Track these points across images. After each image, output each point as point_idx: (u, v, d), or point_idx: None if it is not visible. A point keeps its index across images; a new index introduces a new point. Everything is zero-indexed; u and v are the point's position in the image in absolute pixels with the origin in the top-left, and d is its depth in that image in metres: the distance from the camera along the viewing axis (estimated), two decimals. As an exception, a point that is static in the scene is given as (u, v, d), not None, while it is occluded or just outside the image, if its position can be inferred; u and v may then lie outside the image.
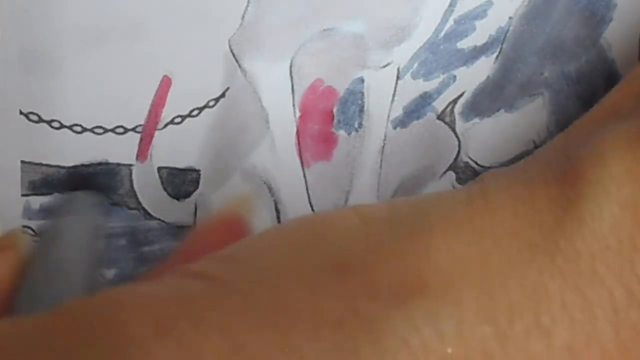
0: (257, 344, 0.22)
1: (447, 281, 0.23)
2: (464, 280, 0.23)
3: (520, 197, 0.24)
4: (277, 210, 0.35)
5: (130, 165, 0.33)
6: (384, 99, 0.34)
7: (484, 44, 0.34)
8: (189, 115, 0.33)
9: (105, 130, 0.32)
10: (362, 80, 0.34)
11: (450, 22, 0.33)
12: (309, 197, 0.35)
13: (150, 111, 0.32)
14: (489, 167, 0.36)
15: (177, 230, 0.35)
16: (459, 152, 0.35)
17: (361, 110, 0.34)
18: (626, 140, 0.24)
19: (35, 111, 0.31)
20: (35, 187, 0.32)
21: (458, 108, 0.35)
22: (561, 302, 0.23)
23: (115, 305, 0.23)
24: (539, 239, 0.23)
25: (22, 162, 0.32)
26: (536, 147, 0.36)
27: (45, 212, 0.33)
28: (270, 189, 0.34)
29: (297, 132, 0.34)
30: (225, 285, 0.23)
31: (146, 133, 0.33)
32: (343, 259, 0.24)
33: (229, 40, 0.32)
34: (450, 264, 0.23)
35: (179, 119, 0.33)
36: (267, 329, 0.22)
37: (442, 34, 0.33)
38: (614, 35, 0.35)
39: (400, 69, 0.34)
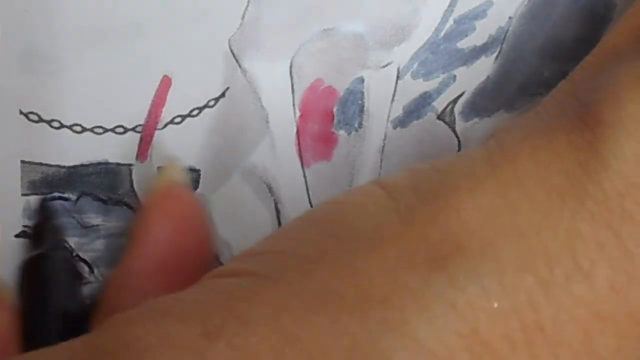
0: (310, 334, 0.22)
1: (481, 238, 0.23)
2: (498, 234, 0.23)
3: (539, 146, 0.24)
4: (277, 210, 0.35)
5: (130, 165, 0.33)
6: (384, 99, 0.34)
7: (484, 44, 0.34)
8: (189, 115, 0.33)
9: (105, 130, 0.32)
10: (362, 80, 0.34)
11: (450, 22, 0.33)
12: (309, 197, 0.35)
13: (150, 111, 0.32)
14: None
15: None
16: (458, 152, 0.35)
17: (361, 110, 0.34)
18: (639, 80, 0.24)
19: (35, 111, 0.31)
20: (35, 187, 0.32)
21: (458, 108, 0.35)
22: (597, 243, 0.23)
23: (159, 315, 0.23)
24: (565, 184, 0.23)
25: (22, 161, 0.32)
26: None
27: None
28: (270, 189, 0.34)
29: (297, 132, 0.34)
30: (267, 279, 0.23)
31: (146, 133, 0.33)
32: (377, 234, 0.24)
33: (229, 40, 0.32)
34: (481, 221, 0.23)
35: (179, 119, 0.33)
36: (316, 317, 0.22)
37: (442, 34, 0.33)
38: (614, 35, 0.35)
39: (400, 69, 0.34)
